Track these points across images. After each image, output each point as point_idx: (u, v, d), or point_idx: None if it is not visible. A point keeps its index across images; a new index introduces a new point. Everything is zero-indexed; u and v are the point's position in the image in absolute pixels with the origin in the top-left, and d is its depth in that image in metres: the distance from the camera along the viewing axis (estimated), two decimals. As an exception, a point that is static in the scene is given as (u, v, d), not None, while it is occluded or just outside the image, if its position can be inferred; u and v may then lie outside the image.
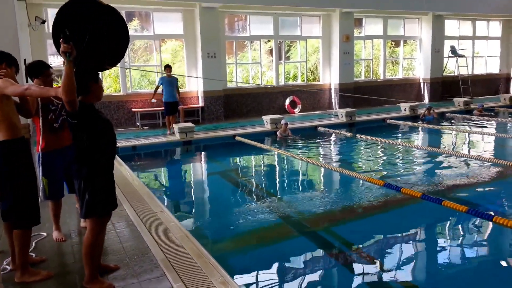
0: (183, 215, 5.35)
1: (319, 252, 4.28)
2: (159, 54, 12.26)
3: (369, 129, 10.71)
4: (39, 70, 3.69)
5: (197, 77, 12.15)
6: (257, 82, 13.82)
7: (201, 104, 12.34)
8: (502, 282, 3.59)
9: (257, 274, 3.87)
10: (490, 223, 4.43)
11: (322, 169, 7.37)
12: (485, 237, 4.59)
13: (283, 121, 9.78)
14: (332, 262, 4.09)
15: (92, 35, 2.87)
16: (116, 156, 3.27)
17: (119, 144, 8.44)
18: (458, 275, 3.77)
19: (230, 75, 13.79)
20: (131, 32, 12.14)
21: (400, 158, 8.19)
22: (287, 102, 13.77)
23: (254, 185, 6.78)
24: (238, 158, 8.69)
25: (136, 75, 13.35)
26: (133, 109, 11.62)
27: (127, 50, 3.18)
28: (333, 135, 10.17)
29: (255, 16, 13.40)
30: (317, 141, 9.90)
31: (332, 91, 14.57)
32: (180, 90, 10.58)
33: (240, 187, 6.84)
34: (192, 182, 7.34)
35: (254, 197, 6.11)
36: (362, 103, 14.52)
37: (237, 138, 9.39)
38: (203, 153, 9.29)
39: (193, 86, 12.55)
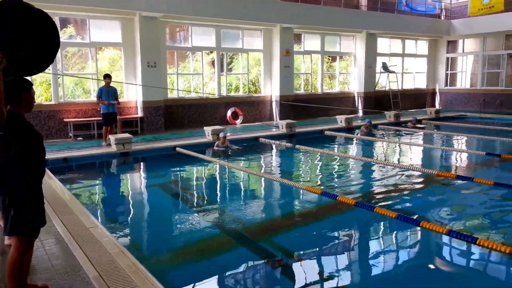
0: (118, 229, 5.13)
1: (260, 262, 4.29)
2: (95, 63, 11.81)
3: (308, 140, 11.04)
4: None
5: (136, 84, 11.84)
6: (199, 93, 13.76)
7: (140, 114, 12.03)
8: (429, 281, 3.83)
9: (198, 287, 3.80)
10: (418, 227, 4.73)
11: (263, 179, 7.46)
12: (413, 241, 4.88)
13: (221, 134, 9.73)
14: (272, 271, 4.12)
15: (21, 39, 2.73)
16: (45, 169, 3.08)
17: (49, 156, 7.96)
18: (390, 277, 3.97)
19: (171, 85, 13.60)
20: (65, 38, 11.64)
21: (337, 167, 8.52)
22: (229, 113, 13.84)
23: (195, 197, 6.69)
24: (178, 170, 8.54)
25: (70, 84, 12.71)
26: (65, 119, 11.05)
27: (57, 56, 3.05)
28: (274, 146, 10.35)
29: (197, 27, 13.40)
30: (258, 152, 10.02)
31: (273, 103, 14.87)
32: (119, 100, 10.22)
33: (180, 199, 6.71)
34: (129, 195, 7.08)
35: (195, 208, 6.03)
36: (302, 115, 14.97)
37: (178, 149, 9.24)
38: (141, 165, 9.01)
39: (132, 95, 12.21)
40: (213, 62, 14.57)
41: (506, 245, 3.88)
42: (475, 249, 4.32)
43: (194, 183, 7.78)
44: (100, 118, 10.16)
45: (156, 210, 6.12)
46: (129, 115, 12.04)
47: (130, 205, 6.45)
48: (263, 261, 4.31)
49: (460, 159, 9.35)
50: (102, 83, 9.68)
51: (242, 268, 4.15)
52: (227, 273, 4.04)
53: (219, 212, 5.76)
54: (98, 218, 5.23)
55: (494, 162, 8.57)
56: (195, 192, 7.03)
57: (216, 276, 3.99)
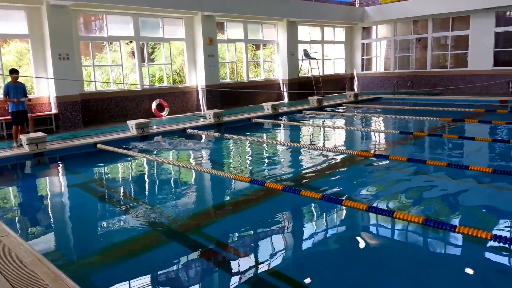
0: (34, 236, 4.76)
1: (194, 256, 4.22)
2: (-1, 56, 10.74)
3: (236, 128, 11.08)
4: None
5: (47, 78, 10.98)
6: (119, 86, 13.12)
7: (54, 111, 11.20)
8: (355, 257, 4.05)
9: (126, 288, 3.65)
10: (340, 206, 4.97)
11: (193, 171, 7.34)
12: (337, 219, 5.12)
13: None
14: (206, 263, 4.08)
15: None
16: None
17: (-50, 162, 7.14)
18: (319, 256, 4.13)
19: (87, 78, 12.82)
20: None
21: (265, 154, 8.66)
22: (154, 105, 13.41)
23: (121, 195, 6.40)
24: (101, 168, 8.11)
25: (-30, 80, 11.45)
26: (-32, 120, 9.95)
27: None
28: (203, 136, 10.23)
29: (113, 16, 12.71)
30: (186, 143, 9.82)
31: (199, 93, 14.67)
32: (29, 96, 9.43)
33: (104, 198, 6.38)
34: (46, 199, 6.58)
35: (121, 207, 5.77)
36: (229, 103, 14.96)
37: (99, 146, 8.76)
38: (59, 165, 8.41)
39: (44, 91, 11.31)
40: (133, 53, 13.96)
41: (419, 216, 4.21)
42: (392, 222, 4.64)
43: (120, 180, 7.44)
44: (9, 117, 9.33)
45: (78, 212, 5.76)
46: (42, 112, 11.16)
47: (48, 209, 6.00)
48: (196, 254, 4.25)
49: (377, 139, 9.98)
50: (8, 79, 8.86)
51: (174, 263, 4.06)
52: (159, 271, 3.92)
53: (147, 209, 5.57)
54: (11, 226, 4.79)
55: (407, 140, 9.26)
56: (120, 189, 6.72)
57: (148, 275, 3.85)
